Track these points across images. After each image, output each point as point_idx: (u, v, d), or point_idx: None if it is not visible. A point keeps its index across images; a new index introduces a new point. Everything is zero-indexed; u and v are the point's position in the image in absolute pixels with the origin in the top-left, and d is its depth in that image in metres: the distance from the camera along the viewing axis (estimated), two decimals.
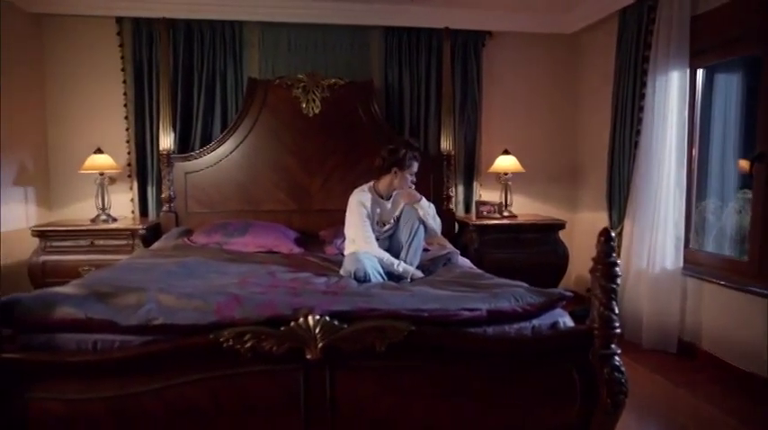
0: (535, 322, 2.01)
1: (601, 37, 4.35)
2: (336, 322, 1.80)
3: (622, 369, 1.90)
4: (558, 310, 2.08)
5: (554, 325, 2.02)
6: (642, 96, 3.61)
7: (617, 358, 1.91)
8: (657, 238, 3.52)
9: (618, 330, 1.93)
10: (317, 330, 1.78)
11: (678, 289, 3.47)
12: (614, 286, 1.92)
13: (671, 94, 3.44)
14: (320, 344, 1.78)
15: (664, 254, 3.51)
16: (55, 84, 4.17)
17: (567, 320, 2.05)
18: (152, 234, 3.84)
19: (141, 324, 1.79)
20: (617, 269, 1.92)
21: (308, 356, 1.78)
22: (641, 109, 3.63)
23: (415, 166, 3.01)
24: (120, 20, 4.13)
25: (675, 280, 3.47)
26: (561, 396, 1.93)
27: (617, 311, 1.93)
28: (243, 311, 1.81)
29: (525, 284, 2.32)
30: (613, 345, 1.92)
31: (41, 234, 3.64)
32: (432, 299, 2.03)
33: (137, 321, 1.78)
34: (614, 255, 1.93)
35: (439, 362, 1.90)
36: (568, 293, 2.10)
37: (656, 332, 3.51)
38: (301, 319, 1.78)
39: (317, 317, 1.79)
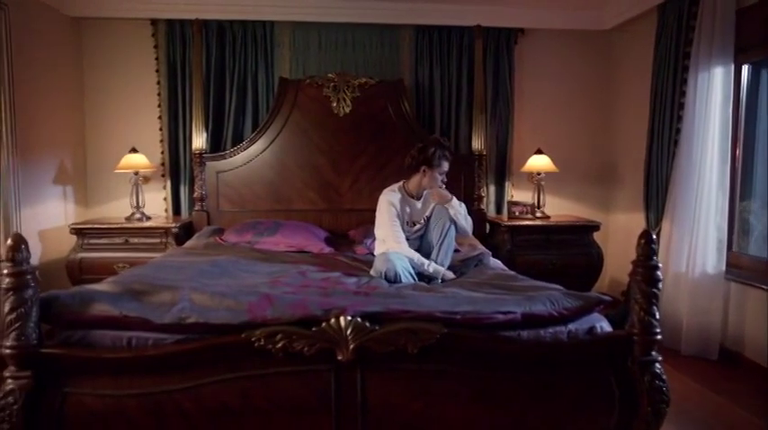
0: (571, 326, 1.95)
1: (637, 33, 4.23)
2: (368, 323, 1.78)
3: (664, 377, 1.84)
4: (596, 315, 2.01)
5: (591, 330, 1.96)
6: (682, 94, 3.48)
7: (658, 365, 1.85)
8: (698, 241, 3.40)
9: (659, 336, 1.86)
10: (349, 331, 1.76)
11: (720, 293, 3.34)
12: (655, 290, 1.85)
13: (714, 92, 3.31)
14: (351, 346, 1.76)
15: (705, 257, 3.39)
16: (92, 85, 4.26)
17: (604, 325, 1.98)
18: (184, 232, 3.90)
19: (174, 322, 1.80)
20: (658, 273, 1.85)
21: (339, 357, 1.77)
22: (681, 107, 3.51)
23: (445, 166, 2.94)
24: (154, 22, 4.21)
25: (717, 284, 3.34)
26: (599, 404, 1.88)
27: (658, 317, 1.86)
28: (274, 311, 1.81)
29: (560, 287, 2.26)
30: (654, 352, 1.85)
31: (79, 232, 3.72)
32: (465, 301, 1.99)
33: (170, 319, 1.80)
34: (655, 257, 1.86)
35: (471, 366, 1.86)
36: (606, 297, 2.03)
37: (696, 338, 3.39)
38: (333, 320, 1.77)
39: (349, 318, 1.77)
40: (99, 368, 1.77)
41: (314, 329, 1.76)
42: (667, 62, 3.61)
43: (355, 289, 2.38)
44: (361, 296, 2.04)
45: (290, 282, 2.42)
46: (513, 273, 2.82)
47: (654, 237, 1.87)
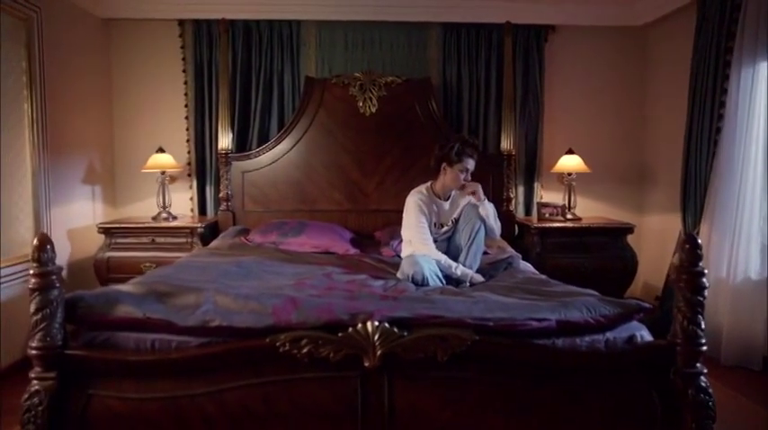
0: (609, 335, 1.86)
1: (673, 28, 4.07)
2: (396, 329, 1.72)
3: (710, 391, 1.74)
4: (635, 323, 1.91)
5: (630, 339, 1.86)
6: (724, 91, 3.33)
7: (703, 378, 1.74)
8: (740, 244, 3.25)
9: (704, 347, 1.76)
10: (376, 337, 1.70)
11: (764, 301, 3.17)
12: (700, 298, 1.75)
13: (758, 88, 3.16)
14: (379, 352, 1.70)
15: (747, 262, 3.23)
16: (121, 86, 4.30)
17: (644, 334, 1.88)
18: (210, 232, 3.89)
19: (198, 325, 1.77)
20: (704, 280, 1.75)
21: (366, 364, 1.71)
22: (722, 105, 3.35)
23: (469, 163, 2.80)
24: (182, 22, 4.22)
25: (761, 291, 3.18)
26: (638, 418, 1.78)
27: (703, 326, 1.76)
28: (300, 315, 1.76)
29: (595, 292, 2.17)
30: (699, 364, 1.75)
31: (106, 231, 3.75)
32: (497, 306, 1.91)
33: (193, 322, 1.76)
34: (701, 264, 1.76)
35: (504, 375, 1.78)
36: (647, 305, 1.93)
37: (737, 347, 3.24)
38: (360, 325, 1.71)
39: (377, 323, 1.71)
40: (123, 371, 1.74)
41: (340, 335, 1.71)
42: (708, 58, 3.45)
43: (382, 292, 2.33)
44: (389, 300, 1.97)
45: (315, 285, 2.37)
46: (544, 277, 2.73)
47: (699, 241, 1.76)
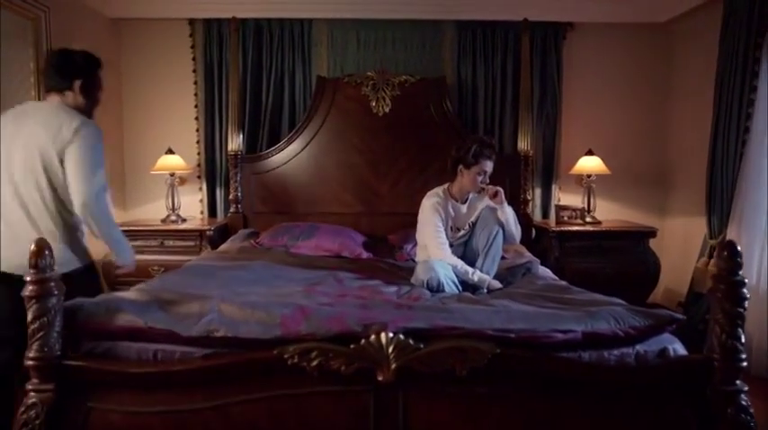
0: (640, 348, 1.74)
1: (699, 24, 3.93)
2: (412, 341, 1.61)
3: (750, 410, 1.60)
4: (667, 335, 1.79)
5: (662, 352, 1.74)
6: (753, 89, 3.19)
7: (744, 397, 1.61)
8: None
9: (744, 363, 1.63)
10: (391, 349, 1.60)
11: None
12: (740, 310, 1.62)
13: None
14: (393, 366, 1.60)
15: None
16: (130, 86, 4.24)
17: (677, 347, 1.76)
18: (220, 235, 3.81)
19: (202, 335, 1.67)
20: (744, 290, 1.62)
21: (380, 378, 1.60)
22: (751, 103, 3.21)
23: (486, 165, 2.68)
24: (192, 22, 4.16)
25: None
26: None
27: (743, 340, 1.63)
28: (309, 326, 1.66)
29: (622, 301, 2.04)
30: (739, 382, 1.62)
31: None
32: (518, 316, 1.79)
33: (197, 332, 1.67)
34: (741, 273, 1.63)
35: (526, 390, 1.67)
36: (680, 316, 1.80)
37: (767, 357, 3.09)
38: (373, 337, 1.61)
39: (391, 334, 1.60)
40: (124, 383, 1.65)
41: (352, 346, 1.60)
42: (735, 55, 3.31)
43: (396, 299, 2.23)
44: (404, 309, 1.87)
45: (326, 291, 2.28)
46: (565, 283, 2.61)
47: (738, 248, 1.63)
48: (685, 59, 4.15)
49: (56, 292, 1.62)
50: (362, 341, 1.61)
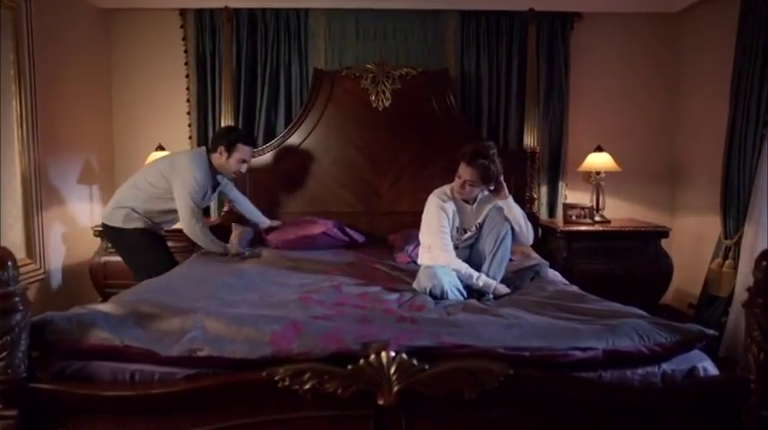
0: (666, 367, 1.58)
1: (713, 13, 3.75)
2: (416, 361, 1.45)
3: None
4: (696, 352, 1.63)
5: (691, 371, 1.58)
6: None
7: None
8: None
9: None
10: (393, 370, 1.44)
11: None
12: None
13: None
14: (395, 388, 1.44)
15: None
16: (121, 80, 4.07)
17: (707, 366, 1.60)
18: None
19: (183, 355, 1.51)
20: None
21: (381, 402, 1.45)
22: None
23: (463, 169, 2.53)
24: (183, 12, 3.98)
25: None
26: None
27: None
28: (302, 343, 1.50)
29: (643, 312, 1.89)
30: None
31: (101, 234, 3.52)
32: (532, 332, 1.63)
33: (178, 352, 1.51)
34: None
35: (542, 414, 1.52)
36: (711, 332, 1.64)
37: None
38: (373, 357, 1.45)
39: (393, 354, 1.45)
40: (97, 407, 1.50)
41: (350, 367, 1.44)
42: (755, 47, 3.13)
43: (397, 308, 2.07)
44: (406, 323, 1.70)
45: (322, 299, 2.12)
46: (576, 288, 2.46)
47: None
48: (699, 51, 3.98)
49: (21, 308, 1.46)
50: (361, 361, 1.45)
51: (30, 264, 3.18)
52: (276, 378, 1.44)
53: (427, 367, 1.45)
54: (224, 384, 1.47)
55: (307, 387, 1.44)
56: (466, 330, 1.61)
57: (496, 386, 1.44)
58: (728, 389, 1.51)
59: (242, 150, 3.03)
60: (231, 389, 1.48)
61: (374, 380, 1.44)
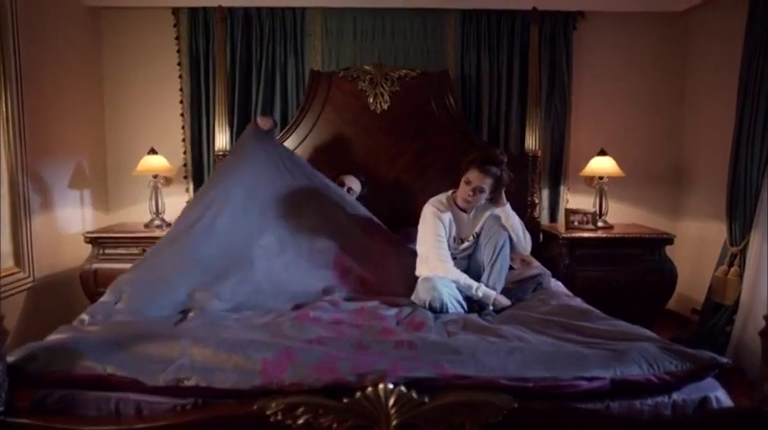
0: (676, 396, 1.51)
1: (720, 13, 3.66)
2: (415, 394, 1.38)
3: None
4: (710, 381, 1.56)
5: (703, 402, 1.51)
6: None
7: None
8: None
9: None
10: (391, 403, 1.37)
11: None
12: None
13: None
14: (394, 423, 1.37)
15: None
16: (113, 81, 3.96)
17: (720, 396, 1.53)
18: None
19: (170, 385, 1.44)
20: None
21: None
22: None
23: (474, 175, 2.44)
24: (176, 11, 3.88)
25: None
26: None
27: None
28: (295, 374, 1.43)
29: (653, 334, 1.82)
30: None
31: (93, 240, 3.43)
32: (536, 359, 1.55)
33: (164, 381, 1.44)
34: None
35: None
36: (724, 359, 1.56)
37: None
38: (370, 389, 1.38)
39: (391, 386, 1.37)
40: None
41: (345, 401, 1.37)
42: (762, 47, 3.05)
43: (395, 326, 2.00)
44: (405, 349, 1.62)
45: (318, 316, 2.05)
46: (580, 301, 2.39)
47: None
48: (705, 52, 3.89)
49: None
50: (357, 393, 1.38)
51: (18, 272, 3.10)
52: (268, 412, 1.37)
53: (427, 400, 1.38)
54: (212, 418, 1.40)
55: (300, 421, 1.37)
56: (466, 357, 1.53)
57: (499, 420, 1.37)
58: (745, 422, 1.44)
59: None
60: (220, 423, 1.40)
61: (371, 414, 1.37)
